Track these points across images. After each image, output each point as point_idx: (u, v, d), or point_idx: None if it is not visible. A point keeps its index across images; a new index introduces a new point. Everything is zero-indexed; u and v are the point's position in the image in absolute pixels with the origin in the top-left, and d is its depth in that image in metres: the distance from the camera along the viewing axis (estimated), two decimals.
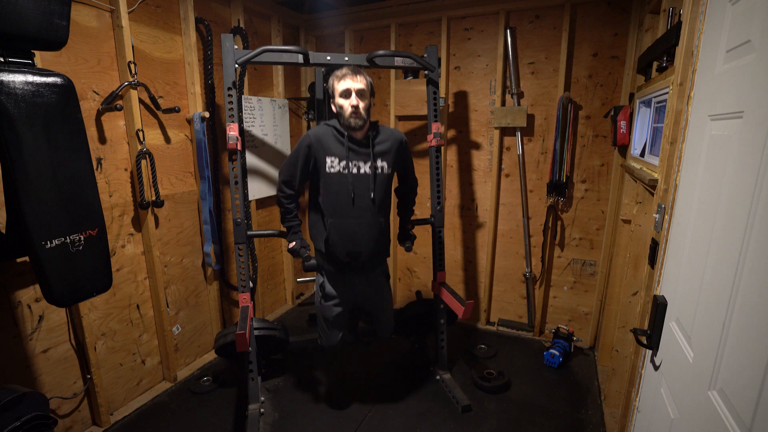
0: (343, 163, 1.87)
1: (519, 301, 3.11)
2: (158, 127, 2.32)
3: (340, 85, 1.85)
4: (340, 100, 1.86)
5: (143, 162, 2.16)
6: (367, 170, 1.90)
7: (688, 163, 1.11)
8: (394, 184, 2.16)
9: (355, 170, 1.89)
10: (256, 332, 2.23)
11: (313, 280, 3.61)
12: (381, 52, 2.20)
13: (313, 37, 3.45)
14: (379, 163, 1.93)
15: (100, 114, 2.00)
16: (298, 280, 3.53)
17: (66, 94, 1.29)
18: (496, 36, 2.79)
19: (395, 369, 2.65)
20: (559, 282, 2.94)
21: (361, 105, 1.85)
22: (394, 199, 2.21)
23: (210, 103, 2.60)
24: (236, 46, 2.09)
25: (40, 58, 1.67)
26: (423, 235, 2.92)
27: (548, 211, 2.84)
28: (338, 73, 1.88)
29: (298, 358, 2.72)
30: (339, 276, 2.02)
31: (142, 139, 2.13)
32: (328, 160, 1.87)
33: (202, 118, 2.39)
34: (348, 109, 1.84)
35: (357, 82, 1.84)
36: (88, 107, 1.95)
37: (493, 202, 2.99)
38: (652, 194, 1.49)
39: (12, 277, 1.73)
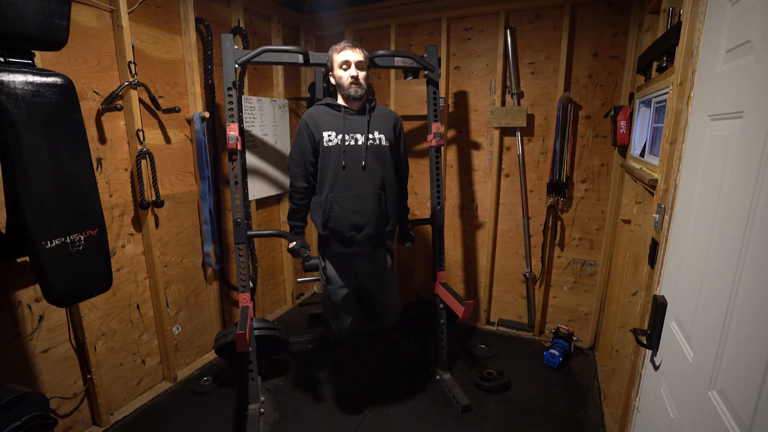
0: (341, 136, 1.90)
1: (519, 301, 3.11)
2: (158, 127, 2.32)
3: (339, 57, 1.91)
4: (339, 72, 1.91)
5: (143, 162, 2.16)
6: (365, 141, 1.92)
7: (688, 163, 1.11)
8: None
9: (352, 142, 1.91)
10: (256, 332, 2.23)
11: (314, 280, 3.61)
12: (381, 52, 2.20)
13: (313, 37, 3.45)
14: (377, 134, 1.95)
15: (100, 114, 2.00)
16: (298, 280, 3.53)
17: (66, 94, 1.29)
18: (496, 36, 2.79)
19: (395, 369, 2.65)
20: (559, 282, 2.94)
21: (361, 75, 1.90)
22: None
23: (210, 103, 2.60)
24: (236, 46, 2.09)
25: (40, 58, 1.67)
26: (423, 235, 2.92)
27: (548, 211, 2.84)
28: (337, 46, 1.93)
29: (298, 358, 2.72)
30: (343, 258, 1.98)
31: (142, 139, 2.13)
32: (326, 134, 1.90)
33: (202, 118, 2.39)
34: (348, 80, 1.89)
35: (356, 54, 1.90)
36: (88, 107, 1.95)
37: (493, 202, 2.99)
38: (652, 194, 1.49)
39: (12, 277, 1.73)
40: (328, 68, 2.00)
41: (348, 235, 1.91)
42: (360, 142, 1.91)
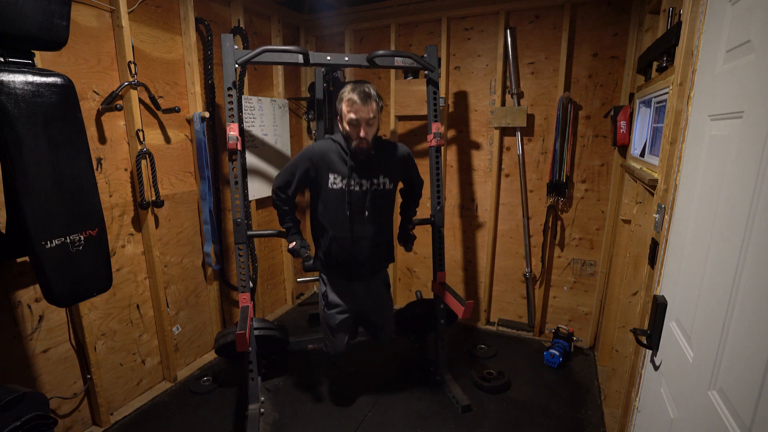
0: (345, 180, 1.87)
1: (519, 301, 3.11)
2: (158, 127, 2.32)
3: (348, 114, 1.78)
4: (347, 126, 1.82)
5: (143, 162, 2.16)
6: (369, 187, 1.90)
7: (688, 163, 1.11)
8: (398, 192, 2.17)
9: (357, 188, 1.88)
10: (256, 332, 2.23)
11: (313, 280, 3.61)
12: (381, 52, 2.20)
13: (313, 37, 3.45)
14: (381, 179, 1.93)
15: (100, 114, 2.00)
16: (298, 280, 3.53)
17: (66, 94, 1.29)
18: (496, 36, 2.79)
19: (395, 369, 2.65)
20: (559, 282, 2.94)
21: (370, 133, 1.82)
22: (397, 199, 2.21)
23: (210, 103, 2.60)
24: (236, 46, 2.09)
25: (40, 58, 1.67)
26: (423, 235, 2.91)
27: (548, 211, 2.84)
28: (346, 97, 1.78)
29: (298, 358, 2.72)
30: (340, 283, 2.06)
31: (142, 139, 2.13)
32: (331, 176, 1.87)
33: (202, 118, 2.39)
34: (355, 138, 1.81)
35: (366, 113, 1.77)
36: (88, 107, 1.95)
37: (493, 202, 2.99)
38: (652, 194, 1.49)
39: (12, 277, 1.73)
40: (336, 112, 1.87)
41: (345, 268, 2.01)
42: (364, 188, 1.89)
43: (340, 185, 1.87)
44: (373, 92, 1.78)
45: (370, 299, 2.13)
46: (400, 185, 2.16)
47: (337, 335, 2.13)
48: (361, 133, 1.78)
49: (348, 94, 1.77)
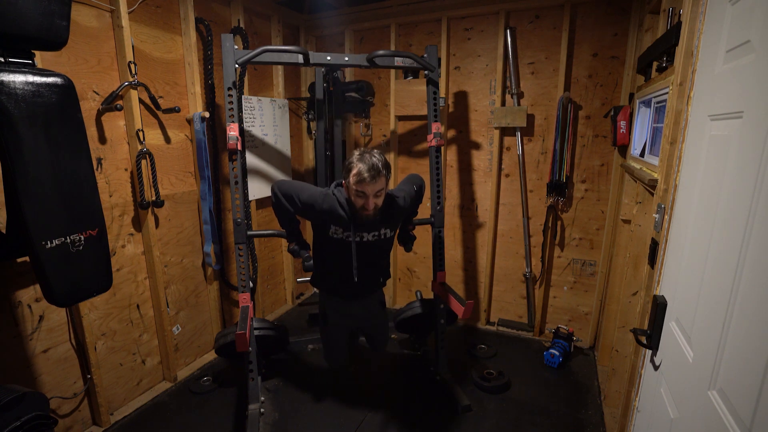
0: (347, 233, 1.86)
1: (519, 301, 3.11)
2: (158, 127, 2.32)
3: (355, 187, 1.69)
4: (354, 197, 1.73)
5: (143, 162, 2.16)
6: (371, 239, 1.91)
7: (688, 163, 1.11)
8: None
9: (358, 239, 1.88)
10: (256, 332, 2.23)
11: None
12: (381, 52, 2.20)
13: (313, 37, 3.45)
14: (383, 231, 1.93)
15: (100, 114, 2.00)
16: (298, 280, 3.53)
17: (66, 94, 1.29)
18: (496, 36, 2.79)
19: (395, 369, 2.65)
20: (559, 282, 2.94)
21: (377, 203, 1.74)
22: None
23: (210, 103, 2.60)
24: (236, 46, 2.09)
25: (40, 58, 1.67)
26: (423, 235, 2.92)
27: (548, 211, 2.84)
28: (355, 170, 1.67)
29: (298, 358, 2.72)
30: (337, 302, 2.10)
31: (142, 139, 2.13)
32: (332, 227, 1.86)
33: (202, 118, 2.39)
34: (360, 208, 1.74)
35: (374, 189, 1.68)
36: (89, 107, 1.95)
37: (493, 202, 2.99)
38: (652, 194, 1.49)
39: (12, 277, 1.73)
40: (343, 175, 1.78)
41: (342, 292, 2.06)
42: (365, 240, 1.90)
43: (340, 236, 1.87)
44: (381, 165, 1.68)
45: (366, 316, 2.18)
46: None
47: (335, 350, 2.22)
48: (369, 206, 1.71)
49: (356, 165, 1.67)
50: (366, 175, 1.64)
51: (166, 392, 2.38)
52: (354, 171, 1.67)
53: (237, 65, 2.07)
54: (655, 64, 1.74)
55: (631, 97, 2.34)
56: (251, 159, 2.91)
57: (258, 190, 3.00)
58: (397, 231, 2.16)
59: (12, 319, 1.74)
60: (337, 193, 1.82)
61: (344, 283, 1.97)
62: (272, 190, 1.95)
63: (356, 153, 1.72)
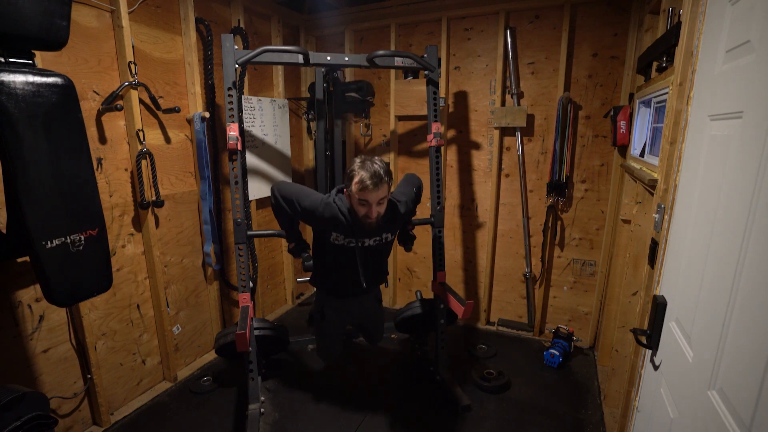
0: (348, 239, 1.86)
1: (519, 301, 3.11)
2: (158, 127, 2.33)
3: (358, 195, 1.67)
4: (357, 205, 1.71)
5: (143, 162, 2.16)
6: (372, 243, 1.91)
7: (688, 163, 1.11)
8: None
9: (359, 244, 1.88)
10: (256, 332, 2.23)
11: None
12: (381, 52, 2.20)
13: (313, 37, 3.45)
14: (384, 235, 1.93)
15: (100, 114, 2.00)
16: (298, 280, 3.53)
17: (66, 94, 1.29)
18: (496, 36, 2.79)
19: (395, 369, 2.65)
20: (559, 282, 2.94)
21: (380, 211, 1.73)
22: None
23: (210, 103, 2.60)
24: (236, 46, 2.09)
25: (40, 58, 1.67)
26: (423, 235, 2.91)
27: (548, 211, 2.84)
28: (357, 178, 1.65)
29: (298, 358, 2.72)
30: (337, 301, 2.10)
31: (142, 139, 2.13)
32: (333, 234, 1.86)
33: (202, 118, 2.39)
34: (363, 216, 1.72)
35: (377, 197, 1.67)
36: (89, 107, 1.95)
37: (493, 202, 2.99)
38: (652, 194, 1.49)
39: (12, 277, 1.73)
40: (345, 183, 1.76)
41: (341, 291, 2.06)
42: (366, 245, 1.90)
43: (341, 242, 1.87)
44: (383, 172, 1.66)
45: (363, 313, 2.20)
46: None
47: (329, 345, 2.23)
48: (372, 214, 1.70)
49: (358, 173, 1.65)
50: (369, 182, 1.62)
51: (166, 392, 2.38)
52: (356, 179, 1.65)
53: (237, 65, 2.07)
54: (655, 64, 1.74)
55: (631, 97, 2.34)
56: (251, 159, 2.91)
57: (258, 190, 3.00)
58: (398, 233, 2.16)
59: (12, 319, 1.74)
60: (338, 201, 1.79)
61: (346, 284, 1.99)
62: (272, 191, 1.94)
63: (357, 161, 1.70)
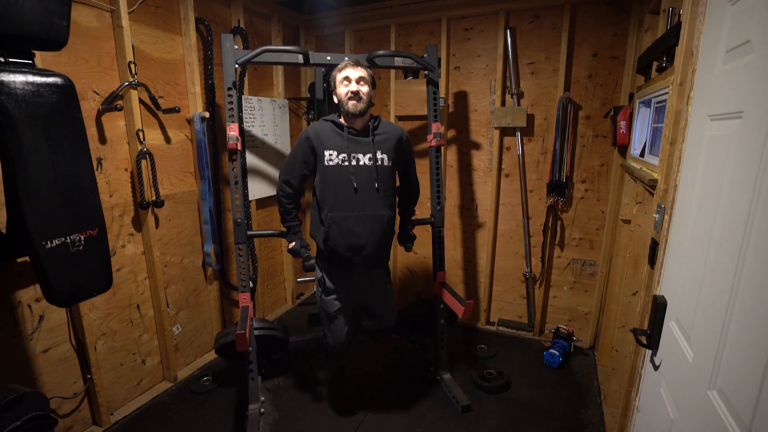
0: (343, 155, 1.86)
1: (519, 301, 3.11)
2: (158, 127, 2.33)
3: (340, 75, 1.88)
4: (340, 89, 1.88)
5: (143, 162, 2.16)
6: (367, 162, 1.89)
7: (688, 163, 1.11)
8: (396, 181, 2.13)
9: (354, 162, 1.87)
10: (256, 332, 2.23)
11: (314, 280, 3.61)
12: (381, 52, 2.20)
13: (313, 37, 3.45)
14: (379, 155, 1.91)
15: (100, 114, 2.00)
16: (298, 280, 3.53)
17: (66, 94, 1.29)
18: (496, 36, 2.79)
19: (395, 369, 2.65)
20: (559, 282, 2.94)
21: (362, 90, 1.86)
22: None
23: (210, 103, 2.60)
24: (236, 46, 2.09)
25: (40, 58, 1.67)
26: (423, 235, 2.91)
27: (548, 211, 2.84)
28: (339, 65, 1.91)
29: (298, 358, 2.72)
30: (338, 272, 1.99)
31: (142, 139, 2.13)
32: (327, 153, 1.87)
33: (202, 118, 2.39)
34: (347, 95, 1.85)
35: (357, 71, 1.87)
36: (89, 107, 1.95)
37: (493, 202, 2.99)
38: (652, 194, 1.49)
39: (12, 277, 1.73)
40: (332, 87, 1.96)
41: (345, 255, 1.89)
42: (362, 163, 1.88)
43: (336, 161, 1.86)
44: (362, 60, 1.93)
45: (370, 290, 2.08)
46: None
47: (336, 322, 2.06)
48: (353, 87, 1.85)
49: (339, 64, 1.93)
50: (348, 60, 1.90)
51: (166, 392, 2.38)
52: (339, 66, 1.91)
53: (237, 65, 2.07)
54: (655, 64, 1.75)
55: (631, 97, 2.34)
56: (251, 159, 2.91)
57: (258, 190, 3.00)
58: (397, 204, 2.07)
59: (12, 319, 1.74)
60: (323, 118, 1.98)
61: (348, 229, 1.86)
62: (277, 189, 2.02)
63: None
